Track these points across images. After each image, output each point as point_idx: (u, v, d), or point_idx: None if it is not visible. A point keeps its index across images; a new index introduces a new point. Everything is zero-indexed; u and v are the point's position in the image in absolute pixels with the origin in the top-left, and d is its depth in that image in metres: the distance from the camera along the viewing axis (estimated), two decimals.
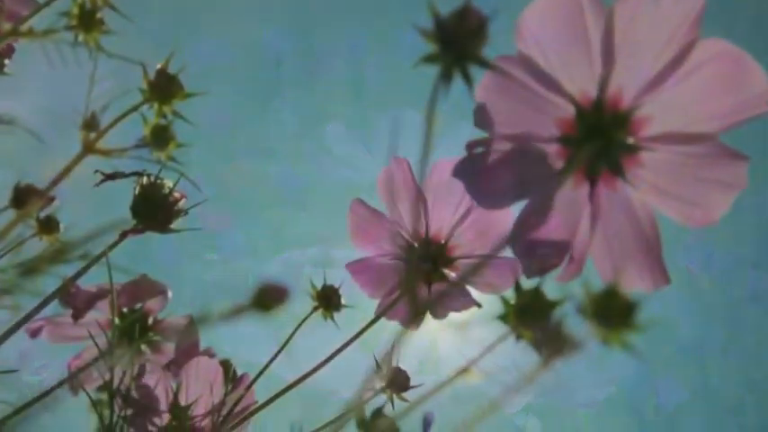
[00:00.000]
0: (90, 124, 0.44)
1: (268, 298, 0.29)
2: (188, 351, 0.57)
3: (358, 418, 0.40)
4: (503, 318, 0.37)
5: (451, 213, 0.55)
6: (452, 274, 0.56)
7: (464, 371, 0.35)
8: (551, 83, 0.39)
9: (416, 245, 0.55)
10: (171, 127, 0.45)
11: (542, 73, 0.39)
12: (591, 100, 0.38)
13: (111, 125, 0.44)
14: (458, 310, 0.57)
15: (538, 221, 0.40)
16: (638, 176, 0.39)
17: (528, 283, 0.37)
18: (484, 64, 0.35)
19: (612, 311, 0.31)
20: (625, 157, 0.38)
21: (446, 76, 0.35)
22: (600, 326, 0.31)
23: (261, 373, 0.53)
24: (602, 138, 0.38)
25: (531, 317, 0.37)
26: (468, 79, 0.35)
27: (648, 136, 0.38)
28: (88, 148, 0.44)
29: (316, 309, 0.58)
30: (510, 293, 0.37)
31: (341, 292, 0.59)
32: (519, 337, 0.37)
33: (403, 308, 0.54)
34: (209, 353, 0.61)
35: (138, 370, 0.51)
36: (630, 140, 0.38)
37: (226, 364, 0.62)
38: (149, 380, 0.51)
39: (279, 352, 0.54)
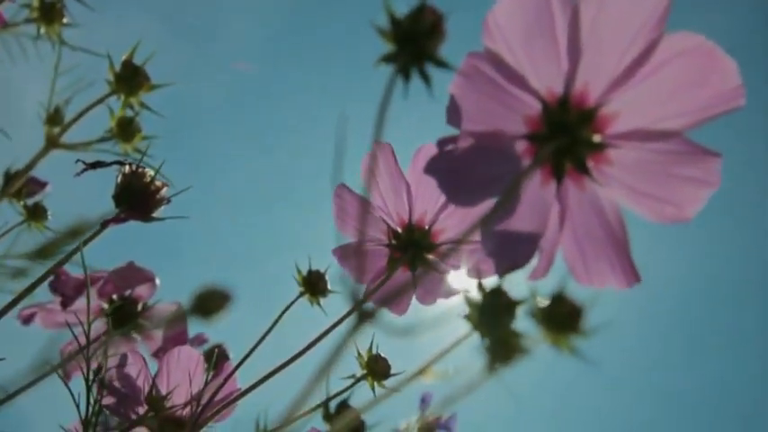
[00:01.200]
0: (54, 118, 0.44)
1: (209, 303, 0.29)
2: (176, 338, 0.57)
3: (324, 411, 0.40)
4: (467, 317, 0.37)
5: (435, 199, 0.55)
6: (437, 261, 0.56)
7: (422, 371, 0.36)
8: (518, 79, 0.38)
9: (400, 230, 0.55)
10: (137, 119, 0.44)
11: (509, 69, 0.38)
12: (557, 97, 0.38)
13: (75, 119, 0.44)
14: (445, 296, 0.57)
15: (506, 219, 0.40)
16: (605, 174, 0.38)
17: (491, 283, 0.37)
18: (440, 63, 0.34)
19: (560, 317, 0.31)
20: (592, 155, 0.38)
21: (403, 75, 0.35)
22: (548, 330, 0.31)
23: (244, 359, 0.53)
24: (566, 135, 0.37)
25: (493, 315, 0.36)
26: (425, 78, 0.35)
27: (615, 133, 0.37)
28: (52, 143, 0.44)
29: (302, 294, 0.58)
30: (473, 293, 0.37)
31: (327, 277, 0.59)
32: (482, 335, 0.37)
33: (385, 293, 0.54)
34: (201, 338, 0.62)
35: (120, 360, 0.52)
36: (597, 138, 0.37)
37: (219, 349, 0.62)
38: (131, 369, 0.52)
39: (263, 338, 0.55)
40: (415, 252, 0.55)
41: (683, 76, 0.36)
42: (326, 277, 0.59)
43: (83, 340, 0.57)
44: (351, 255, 0.57)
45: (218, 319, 0.29)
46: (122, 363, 0.51)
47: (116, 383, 0.50)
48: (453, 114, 0.40)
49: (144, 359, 0.53)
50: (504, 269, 0.40)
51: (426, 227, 0.55)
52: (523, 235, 0.40)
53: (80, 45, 0.44)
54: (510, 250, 0.40)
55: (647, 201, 0.38)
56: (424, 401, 0.59)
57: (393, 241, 0.55)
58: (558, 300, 0.31)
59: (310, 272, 0.59)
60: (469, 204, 0.42)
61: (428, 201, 0.55)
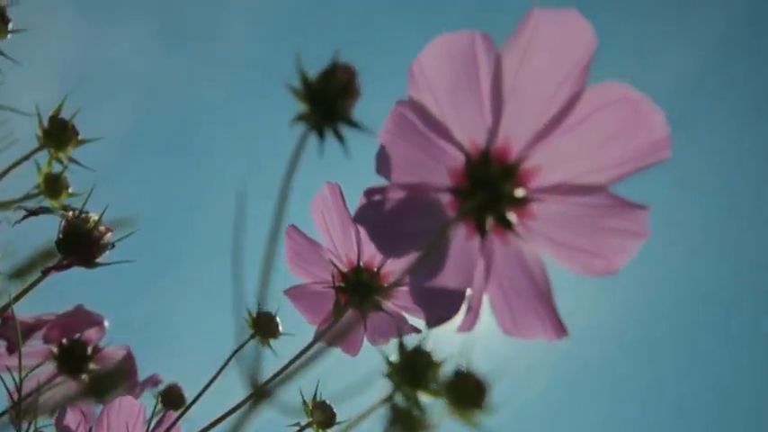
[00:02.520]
0: None
1: (104, 383, 0.28)
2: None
3: None
4: (388, 376, 0.37)
5: None
6: (387, 303, 0.55)
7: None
8: (442, 130, 0.37)
9: (348, 272, 0.55)
10: (64, 175, 0.44)
11: (433, 119, 0.38)
12: (480, 149, 0.37)
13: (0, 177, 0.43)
14: (396, 337, 0.56)
15: (432, 271, 0.39)
16: (529, 228, 0.37)
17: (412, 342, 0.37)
18: (351, 123, 0.34)
19: (465, 391, 0.30)
20: (515, 209, 0.37)
21: (317, 134, 0.34)
22: (452, 404, 0.30)
23: (188, 407, 0.52)
24: (488, 190, 0.37)
25: (413, 375, 0.36)
26: (338, 137, 0.34)
27: (538, 187, 0.37)
28: None
29: (252, 336, 0.57)
30: (393, 352, 0.36)
31: (278, 319, 0.59)
32: (403, 395, 0.36)
33: (336, 333, 0.54)
34: (155, 379, 0.61)
35: (59, 413, 0.51)
36: (519, 192, 0.37)
37: (174, 390, 0.62)
38: (70, 421, 0.51)
39: (210, 383, 0.54)
40: (363, 294, 0.54)
41: (608, 128, 0.36)
42: (278, 319, 0.59)
43: (34, 385, 0.56)
44: (303, 296, 0.57)
45: (113, 396, 0.28)
46: (61, 416, 0.51)
47: None
48: (382, 163, 0.39)
49: (82, 412, 0.52)
50: (431, 321, 0.39)
51: (375, 269, 0.54)
52: (449, 288, 0.39)
53: (7, 103, 0.44)
54: (437, 303, 0.39)
55: (574, 254, 0.38)
56: None
57: (341, 283, 0.54)
58: (463, 374, 0.30)
59: (260, 313, 0.58)
60: (398, 255, 0.41)
61: None
